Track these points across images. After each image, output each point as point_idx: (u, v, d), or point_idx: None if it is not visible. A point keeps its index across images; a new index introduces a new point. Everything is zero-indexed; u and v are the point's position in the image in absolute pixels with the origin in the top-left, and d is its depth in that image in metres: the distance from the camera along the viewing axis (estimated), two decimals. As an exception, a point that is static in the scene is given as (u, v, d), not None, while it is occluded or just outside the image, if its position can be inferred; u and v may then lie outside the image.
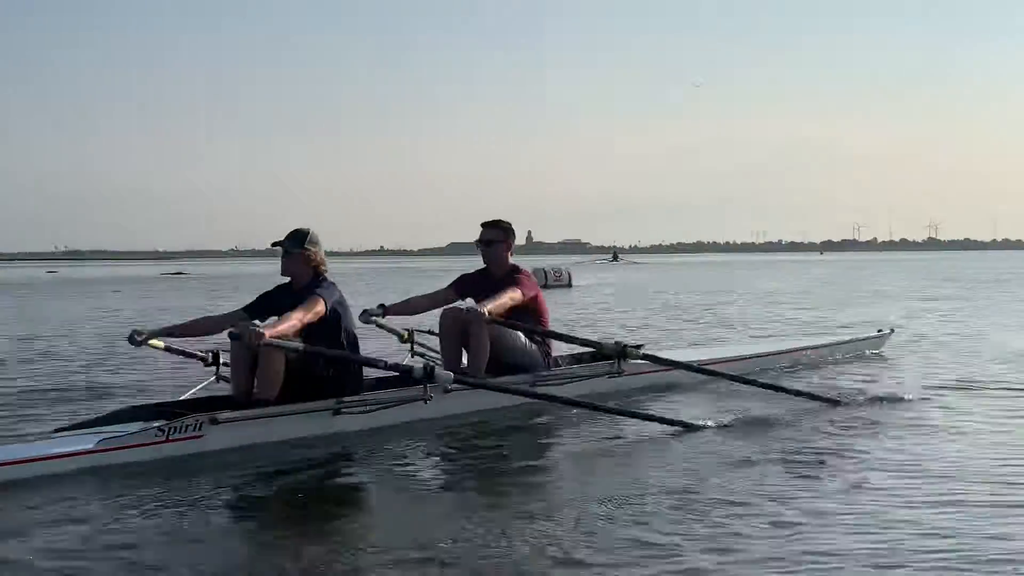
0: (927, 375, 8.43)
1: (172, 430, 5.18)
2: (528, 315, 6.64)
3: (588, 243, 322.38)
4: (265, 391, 5.43)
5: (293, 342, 5.37)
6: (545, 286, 26.92)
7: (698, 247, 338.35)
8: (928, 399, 7.00)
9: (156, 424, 5.16)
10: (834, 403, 6.60)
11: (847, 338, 10.35)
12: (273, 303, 5.86)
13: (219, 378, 5.94)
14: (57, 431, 5.47)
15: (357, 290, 24.46)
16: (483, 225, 6.91)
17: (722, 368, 7.44)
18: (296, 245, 5.80)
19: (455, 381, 5.69)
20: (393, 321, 6.88)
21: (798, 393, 6.59)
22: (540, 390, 6.31)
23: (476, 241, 6.91)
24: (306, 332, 5.56)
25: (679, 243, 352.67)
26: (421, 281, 34.15)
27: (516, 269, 6.82)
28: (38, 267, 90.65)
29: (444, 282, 7.16)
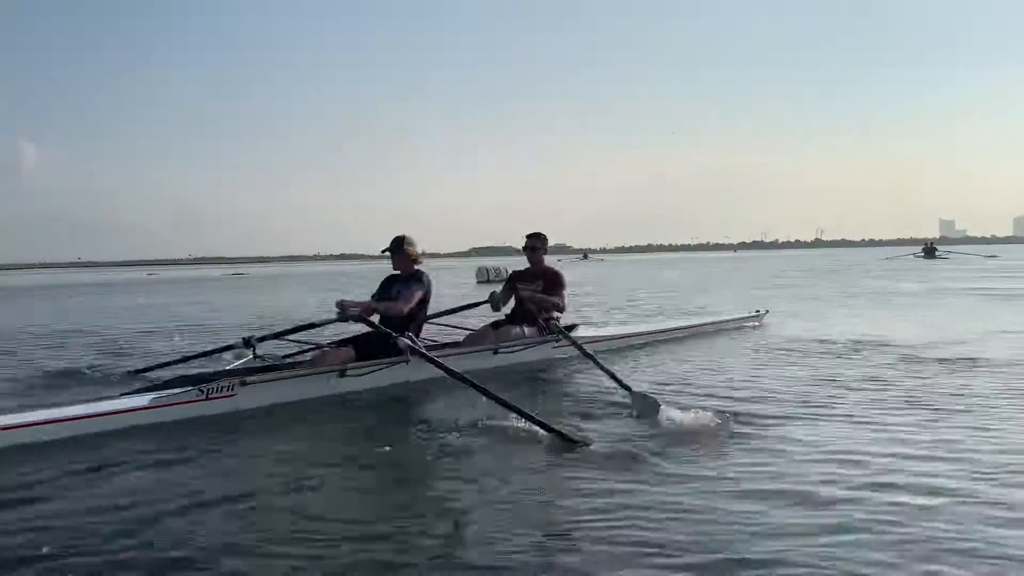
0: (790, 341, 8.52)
1: (211, 390, 5.25)
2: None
3: (571, 246, 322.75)
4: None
5: (372, 319, 6.09)
6: (487, 281, 27.31)
7: (648, 248, 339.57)
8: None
9: (198, 386, 5.19)
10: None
11: (733, 316, 10.72)
12: (390, 288, 6.60)
13: (256, 355, 6.20)
14: (122, 395, 5.39)
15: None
16: (527, 236, 7.67)
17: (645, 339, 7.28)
18: (399, 247, 6.42)
19: (413, 353, 5.92)
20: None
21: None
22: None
23: (523, 247, 7.71)
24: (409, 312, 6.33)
25: (635, 245, 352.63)
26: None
27: (551, 268, 7.67)
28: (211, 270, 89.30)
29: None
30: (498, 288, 7.62)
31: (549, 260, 7.75)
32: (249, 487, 3.70)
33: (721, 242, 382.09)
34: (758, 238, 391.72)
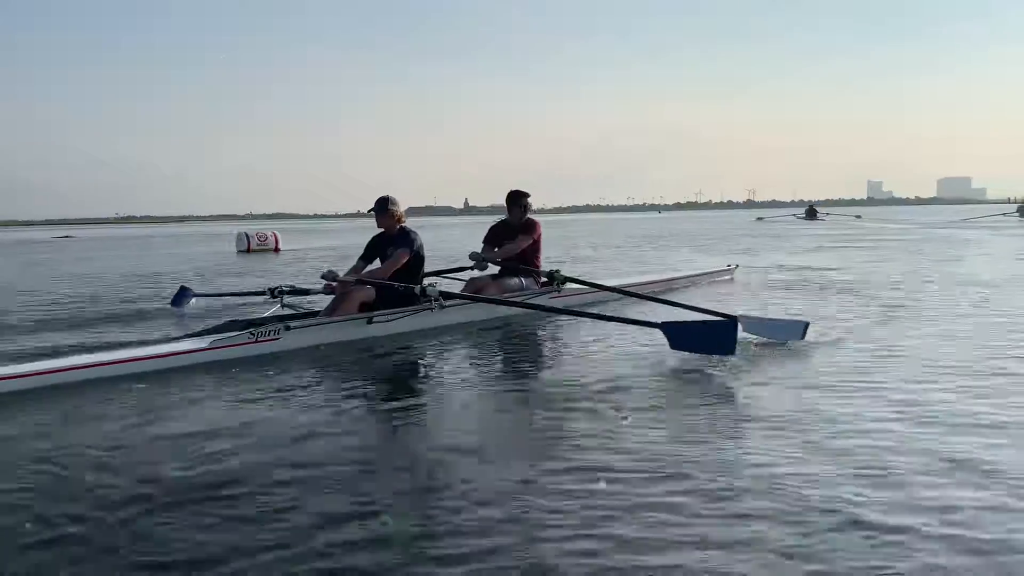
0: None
1: (260, 334, 5.90)
2: (530, 251, 7.98)
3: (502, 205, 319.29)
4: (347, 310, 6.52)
5: (356, 279, 6.58)
6: (248, 251, 24.53)
7: (586, 208, 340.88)
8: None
9: (248, 330, 5.86)
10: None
11: (706, 271, 11.20)
12: (377, 248, 7.00)
13: (283, 305, 7.22)
14: (184, 336, 6.19)
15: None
16: (509, 194, 8.11)
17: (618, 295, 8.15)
18: (383, 207, 6.83)
19: (444, 297, 6.56)
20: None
21: (694, 309, 6.53)
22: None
23: (507, 204, 8.13)
24: (400, 268, 6.72)
25: (572, 206, 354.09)
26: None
27: (530, 221, 8.05)
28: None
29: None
30: (479, 249, 8.02)
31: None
32: (296, 421, 4.07)
33: (656, 202, 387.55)
34: (692, 199, 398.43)
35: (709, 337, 5.36)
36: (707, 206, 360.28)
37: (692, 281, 10.30)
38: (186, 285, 9.63)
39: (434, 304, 6.49)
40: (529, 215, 7.99)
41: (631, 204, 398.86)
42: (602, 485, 3.02)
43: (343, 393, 4.79)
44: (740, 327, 5.55)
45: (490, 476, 3.19)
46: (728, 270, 11.40)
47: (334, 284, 6.45)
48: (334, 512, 2.82)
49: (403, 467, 3.40)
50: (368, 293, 6.56)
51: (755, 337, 5.81)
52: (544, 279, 7.98)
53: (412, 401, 4.65)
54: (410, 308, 6.59)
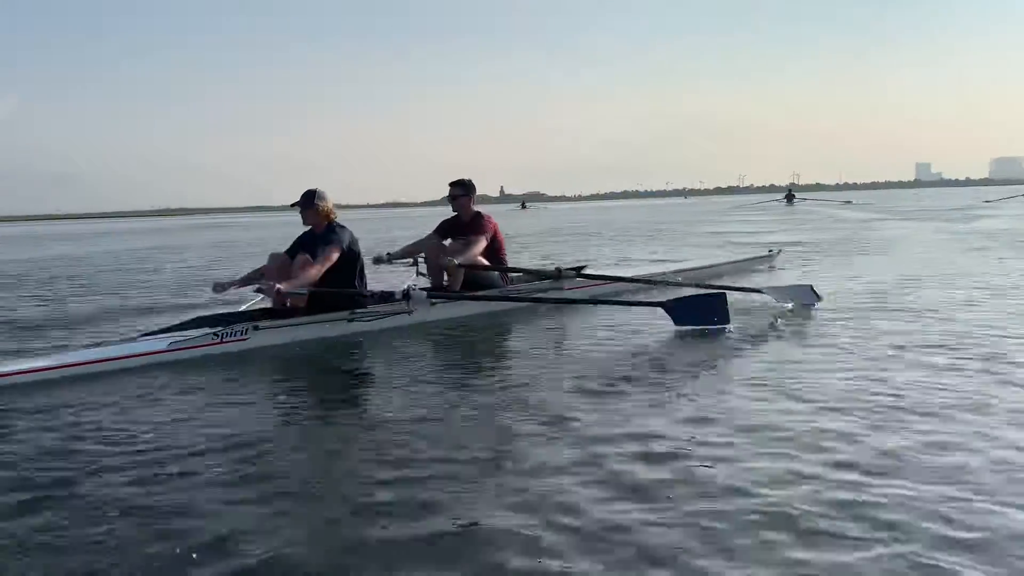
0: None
1: (225, 334, 5.53)
2: (491, 248, 7.11)
3: (545, 193, 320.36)
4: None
5: (300, 290, 5.77)
6: None
7: (625, 195, 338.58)
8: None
9: (213, 329, 5.46)
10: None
11: (747, 256, 10.66)
12: (304, 245, 6.17)
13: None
14: (141, 335, 5.77)
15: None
16: (450, 184, 7.28)
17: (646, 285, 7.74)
18: (309, 202, 6.12)
19: (432, 297, 6.22)
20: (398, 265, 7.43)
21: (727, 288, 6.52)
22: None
23: (447, 196, 7.29)
24: (331, 267, 5.96)
25: (610, 192, 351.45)
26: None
27: (479, 215, 7.26)
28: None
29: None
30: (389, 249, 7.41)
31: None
32: (253, 427, 3.81)
33: (696, 187, 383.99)
34: (734, 183, 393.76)
35: (706, 310, 5.74)
36: (748, 190, 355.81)
37: (723, 271, 9.33)
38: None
39: (410, 305, 6.10)
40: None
41: (669, 189, 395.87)
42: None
43: (310, 398, 4.51)
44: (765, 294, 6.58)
45: (458, 488, 2.91)
46: (770, 256, 10.65)
47: (271, 292, 5.63)
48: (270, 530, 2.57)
49: (354, 481, 3.09)
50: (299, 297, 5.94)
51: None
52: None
53: (375, 408, 4.28)
54: (391, 308, 6.18)
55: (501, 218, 8.11)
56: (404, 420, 3.84)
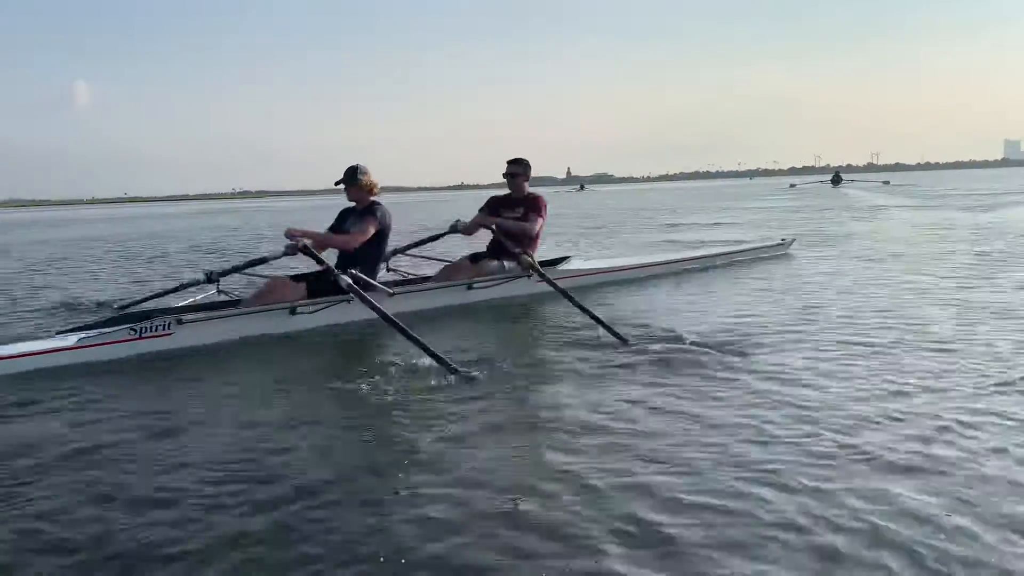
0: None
1: (143, 329, 5.00)
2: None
3: (612, 175, 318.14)
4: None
5: (319, 256, 5.47)
6: None
7: (696, 175, 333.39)
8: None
9: (131, 325, 4.93)
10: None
11: (760, 244, 10.22)
12: (344, 221, 6.34)
13: (219, 291, 5.88)
14: (58, 332, 5.33)
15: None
16: (508, 162, 7.18)
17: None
18: (352, 178, 6.11)
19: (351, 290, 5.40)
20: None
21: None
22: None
23: (505, 174, 7.17)
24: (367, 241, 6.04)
25: (680, 172, 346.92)
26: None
27: (533, 195, 7.19)
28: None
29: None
30: (465, 218, 7.16)
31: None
32: (172, 429, 3.48)
33: (770, 168, 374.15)
34: (810, 163, 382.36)
35: None
36: (825, 170, 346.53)
37: (732, 259, 9.25)
38: None
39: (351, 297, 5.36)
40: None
41: (742, 170, 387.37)
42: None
43: (231, 402, 3.97)
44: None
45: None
46: (782, 244, 10.14)
47: (296, 244, 5.40)
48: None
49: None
50: (299, 291, 5.70)
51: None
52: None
53: (318, 411, 3.73)
54: (329, 299, 5.60)
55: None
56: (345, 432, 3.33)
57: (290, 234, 5.52)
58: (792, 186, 50.24)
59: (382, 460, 3.08)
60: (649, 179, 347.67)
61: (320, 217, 24.75)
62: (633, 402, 3.67)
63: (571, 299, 5.65)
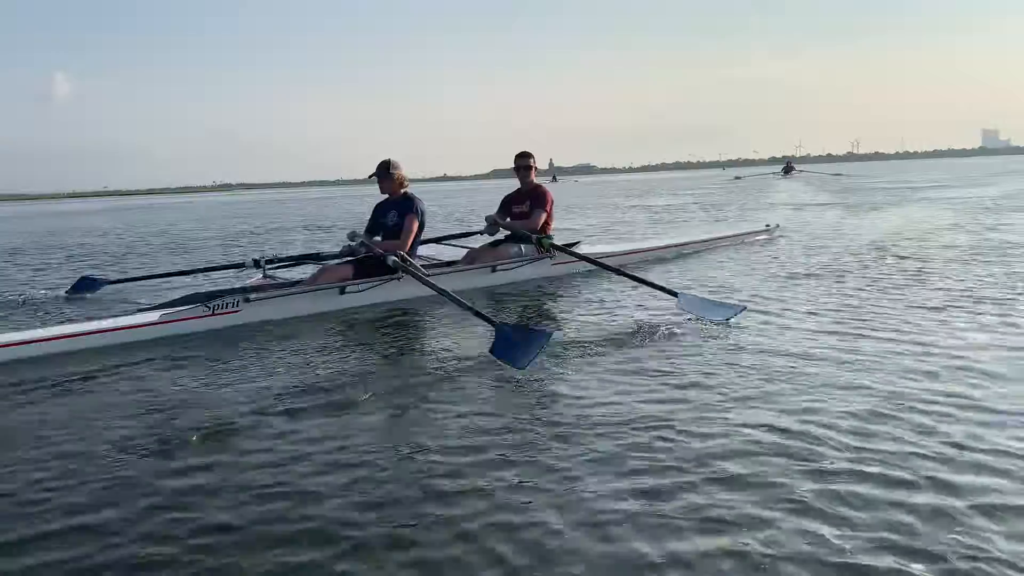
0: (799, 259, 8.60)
1: (216, 306, 5.59)
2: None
3: (595, 166, 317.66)
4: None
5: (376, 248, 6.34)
6: None
7: (676, 166, 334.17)
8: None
9: (204, 303, 5.57)
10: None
11: (744, 231, 10.85)
12: (381, 214, 6.86)
13: (264, 275, 6.67)
14: (138, 311, 5.82)
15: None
16: (517, 156, 7.85)
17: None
18: (385, 172, 6.66)
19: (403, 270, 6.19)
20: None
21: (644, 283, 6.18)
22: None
23: (513, 167, 7.85)
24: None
25: (661, 163, 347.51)
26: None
27: (539, 186, 7.82)
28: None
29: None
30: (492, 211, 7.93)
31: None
32: (242, 398, 3.86)
33: (751, 157, 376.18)
34: (790, 152, 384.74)
35: (523, 347, 4.36)
36: (805, 159, 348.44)
37: (724, 243, 9.94)
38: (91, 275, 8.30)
39: (401, 275, 6.22)
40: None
41: (724, 160, 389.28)
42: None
43: (302, 372, 4.38)
44: (679, 302, 5.52)
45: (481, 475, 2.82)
46: (766, 230, 10.89)
47: (356, 246, 6.35)
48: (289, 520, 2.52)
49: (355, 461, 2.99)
50: (347, 272, 6.33)
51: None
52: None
53: (370, 383, 4.09)
54: (379, 278, 6.27)
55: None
56: (395, 406, 3.70)
57: (354, 238, 6.51)
58: (737, 178, 48.24)
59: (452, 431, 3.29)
60: (630, 169, 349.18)
61: (277, 211, 25.14)
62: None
63: (610, 268, 6.53)
